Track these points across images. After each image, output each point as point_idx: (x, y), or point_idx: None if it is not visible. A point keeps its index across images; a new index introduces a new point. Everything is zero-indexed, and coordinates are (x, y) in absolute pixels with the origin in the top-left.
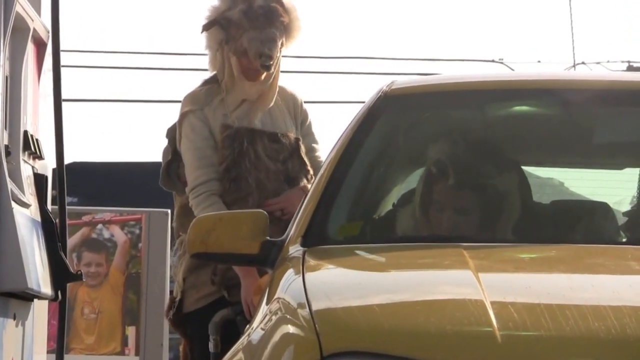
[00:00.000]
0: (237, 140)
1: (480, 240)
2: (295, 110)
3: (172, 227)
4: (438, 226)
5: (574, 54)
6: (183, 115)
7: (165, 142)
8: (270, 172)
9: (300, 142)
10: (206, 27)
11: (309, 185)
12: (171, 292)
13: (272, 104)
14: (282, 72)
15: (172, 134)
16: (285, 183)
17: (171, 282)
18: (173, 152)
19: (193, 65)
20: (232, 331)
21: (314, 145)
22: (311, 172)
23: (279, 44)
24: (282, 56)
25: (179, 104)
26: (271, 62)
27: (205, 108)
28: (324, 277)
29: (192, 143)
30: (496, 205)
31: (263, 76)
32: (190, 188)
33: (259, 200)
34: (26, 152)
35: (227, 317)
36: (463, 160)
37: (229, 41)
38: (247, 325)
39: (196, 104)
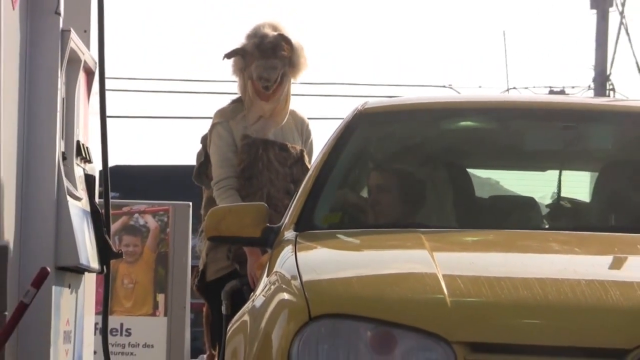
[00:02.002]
0: (254, 147)
1: (434, 226)
2: (302, 129)
3: (192, 217)
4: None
5: (507, 80)
6: (213, 126)
7: (199, 146)
8: (279, 174)
9: (305, 153)
10: (227, 56)
11: None
12: (194, 266)
13: (284, 121)
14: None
15: (205, 140)
16: (290, 183)
17: (193, 258)
18: (205, 155)
19: (207, 89)
20: (239, 298)
21: (309, 157)
22: None
23: (280, 72)
24: (293, 83)
25: (199, 120)
26: (268, 84)
27: (231, 121)
28: (312, 255)
29: (218, 148)
30: (426, 194)
31: (273, 97)
32: (214, 182)
33: (268, 194)
34: (78, 157)
35: (236, 287)
36: (411, 163)
37: (246, 68)
38: (252, 293)
39: (224, 117)
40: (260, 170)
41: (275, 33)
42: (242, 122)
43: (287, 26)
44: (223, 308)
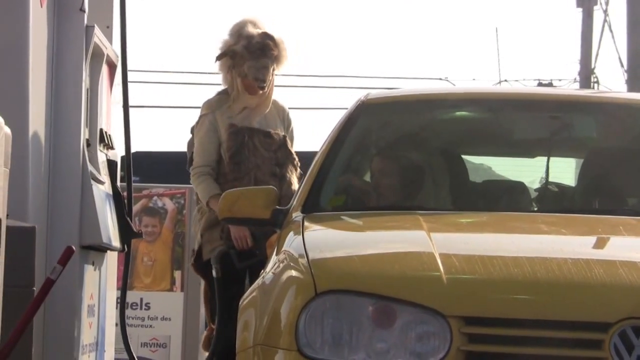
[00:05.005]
0: (240, 135)
1: (431, 208)
2: (283, 117)
3: None
4: (383, 194)
5: (499, 73)
6: (199, 117)
7: (190, 136)
8: (265, 159)
9: (287, 138)
10: (218, 58)
11: (293, 169)
12: None
13: (267, 110)
14: (284, 86)
15: (194, 130)
16: (275, 166)
17: None
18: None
19: (220, 82)
20: (227, 260)
21: (291, 143)
22: (297, 160)
23: (270, 69)
24: (275, 75)
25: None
26: (264, 84)
27: (216, 112)
28: (318, 235)
29: (200, 139)
30: (425, 179)
31: (259, 92)
32: (192, 168)
33: (255, 177)
34: (101, 144)
35: (224, 251)
36: (410, 150)
37: (235, 67)
38: (262, 270)
39: (210, 109)
40: (247, 156)
41: (260, 31)
42: (227, 112)
43: (267, 20)
44: (213, 272)
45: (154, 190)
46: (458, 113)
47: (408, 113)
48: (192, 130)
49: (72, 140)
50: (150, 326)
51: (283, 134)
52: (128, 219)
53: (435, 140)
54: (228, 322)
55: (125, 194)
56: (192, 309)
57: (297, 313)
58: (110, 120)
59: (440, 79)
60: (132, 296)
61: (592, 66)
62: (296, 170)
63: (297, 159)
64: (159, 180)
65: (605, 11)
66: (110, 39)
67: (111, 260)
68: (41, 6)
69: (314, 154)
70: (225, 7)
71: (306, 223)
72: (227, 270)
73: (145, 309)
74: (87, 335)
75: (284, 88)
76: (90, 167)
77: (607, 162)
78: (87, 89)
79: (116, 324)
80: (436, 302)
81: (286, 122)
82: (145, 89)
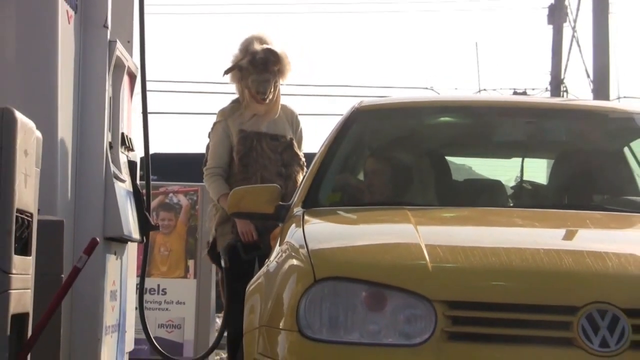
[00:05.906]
0: (248, 139)
1: (418, 204)
2: (292, 121)
3: None
4: (374, 191)
5: (479, 83)
6: (214, 124)
7: (208, 140)
8: (271, 160)
9: (294, 141)
10: (226, 72)
11: (299, 169)
12: None
13: (276, 116)
14: (287, 95)
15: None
16: (282, 167)
17: None
18: None
19: (231, 90)
20: (234, 252)
21: (299, 145)
22: (303, 160)
23: (272, 83)
24: (281, 85)
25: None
26: (265, 97)
27: (228, 119)
28: (316, 228)
29: (213, 143)
30: (413, 177)
31: (265, 101)
32: (205, 168)
33: (262, 177)
34: (123, 146)
35: (232, 243)
36: (398, 151)
37: (242, 79)
38: (266, 260)
39: (223, 116)
40: (255, 159)
41: (264, 47)
42: (239, 118)
43: (272, 35)
44: (222, 262)
45: (170, 187)
46: (442, 119)
47: (397, 119)
48: (209, 135)
49: (96, 143)
50: (167, 309)
51: (290, 137)
52: (147, 213)
53: (422, 143)
54: (235, 307)
55: (144, 191)
56: (203, 294)
57: (298, 298)
58: (130, 125)
59: (426, 88)
60: (150, 283)
61: (562, 77)
62: (302, 170)
63: (303, 159)
64: (174, 179)
65: (573, 28)
66: (130, 52)
67: (131, 250)
68: (68, 23)
69: (313, 155)
70: (236, 23)
71: (306, 217)
72: (234, 261)
73: (162, 294)
74: (109, 318)
75: (288, 97)
76: (112, 167)
77: (576, 162)
78: (110, 97)
79: (135, 308)
80: (422, 288)
81: (294, 125)
82: (162, 97)
